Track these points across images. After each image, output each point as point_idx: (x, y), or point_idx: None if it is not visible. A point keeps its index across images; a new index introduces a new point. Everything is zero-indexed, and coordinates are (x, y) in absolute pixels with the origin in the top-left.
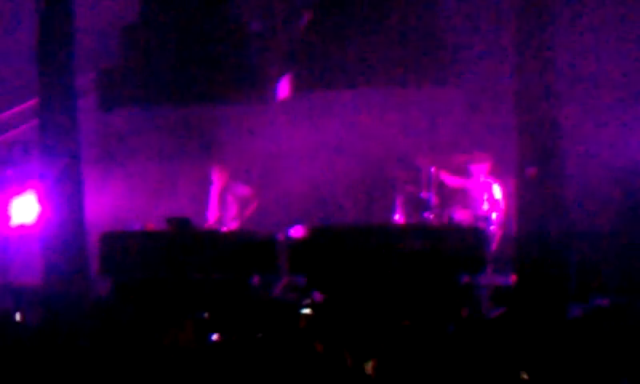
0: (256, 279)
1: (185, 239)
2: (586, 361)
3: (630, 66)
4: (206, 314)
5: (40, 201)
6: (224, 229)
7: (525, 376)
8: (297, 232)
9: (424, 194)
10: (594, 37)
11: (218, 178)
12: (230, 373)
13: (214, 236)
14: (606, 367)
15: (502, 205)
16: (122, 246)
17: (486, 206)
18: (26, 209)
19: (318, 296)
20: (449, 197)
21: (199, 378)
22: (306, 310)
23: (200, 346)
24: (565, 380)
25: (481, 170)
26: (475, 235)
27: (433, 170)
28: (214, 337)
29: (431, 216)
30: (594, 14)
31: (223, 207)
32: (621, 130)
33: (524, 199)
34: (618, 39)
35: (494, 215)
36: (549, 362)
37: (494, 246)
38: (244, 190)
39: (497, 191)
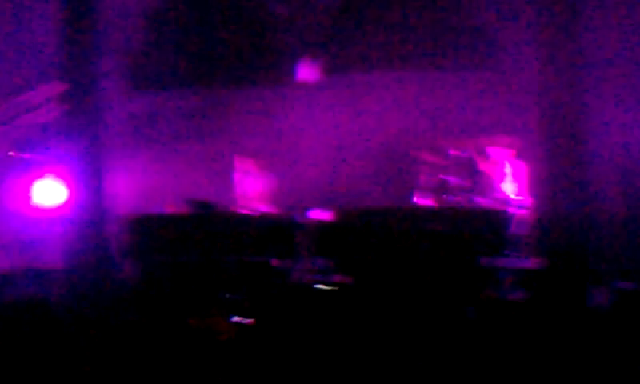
0: (278, 262)
1: (206, 221)
2: (609, 345)
3: None
4: (233, 296)
5: (63, 184)
6: (244, 210)
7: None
8: (319, 215)
9: (447, 177)
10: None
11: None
12: (255, 355)
13: (234, 218)
14: (629, 352)
15: (524, 187)
16: (147, 229)
17: (510, 189)
18: (46, 192)
19: (339, 278)
20: (471, 179)
21: (225, 360)
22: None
23: (227, 329)
24: (586, 364)
25: (506, 153)
26: (496, 218)
27: (455, 152)
28: (236, 319)
29: (454, 199)
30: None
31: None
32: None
33: (546, 181)
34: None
35: (520, 198)
36: (570, 346)
37: (515, 229)
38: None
39: (519, 173)
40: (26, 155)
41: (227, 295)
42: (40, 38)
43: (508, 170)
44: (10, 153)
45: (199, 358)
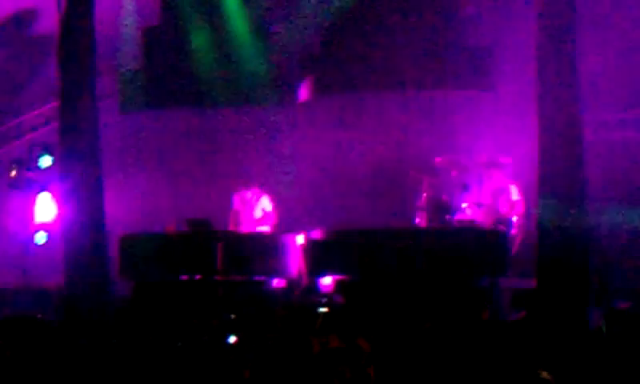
0: (275, 282)
1: (204, 241)
2: (607, 364)
3: None
4: (232, 316)
5: (60, 203)
6: (243, 230)
7: (545, 375)
8: (317, 234)
9: (445, 197)
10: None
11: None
12: (247, 374)
13: (232, 237)
14: (625, 371)
15: (522, 208)
16: (141, 248)
17: (506, 209)
18: (45, 210)
19: (338, 299)
20: (470, 199)
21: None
22: (324, 309)
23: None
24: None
25: (502, 172)
26: (496, 238)
27: (453, 172)
28: (232, 339)
29: (452, 218)
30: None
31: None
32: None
33: (544, 201)
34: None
35: (514, 218)
36: (569, 366)
37: (514, 249)
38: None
39: (515, 194)
40: (26, 174)
41: (229, 315)
42: (40, 59)
43: (504, 189)
44: (11, 172)
45: (187, 375)
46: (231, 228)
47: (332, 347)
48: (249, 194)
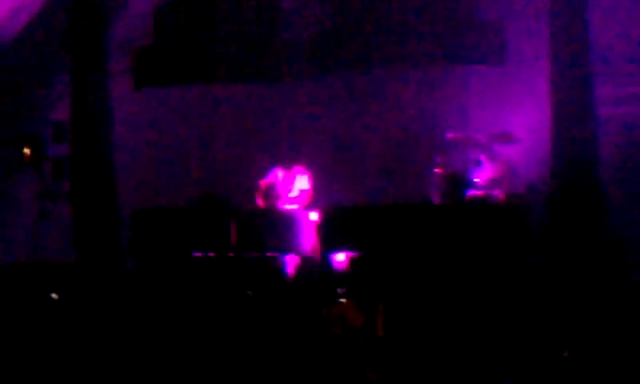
0: (289, 259)
1: (217, 217)
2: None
3: None
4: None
5: (73, 180)
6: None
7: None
8: (331, 211)
9: (462, 173)
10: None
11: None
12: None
13: (245, 214)
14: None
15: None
16: (154, 224)
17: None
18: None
19: (351, 276)
20: (487, 175)
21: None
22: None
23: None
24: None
25: (512, 148)
26: (515, 212)
27: (467, 148)
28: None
29: (469, 194)
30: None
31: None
32: None
33: (559, 176)
34: None
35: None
36: (589, 332)
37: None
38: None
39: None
40: (40, 151)
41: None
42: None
43: (511, 166)
44: (25, 148)
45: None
46: (260, 203)
47: (347, 321)
48: (289, 173)
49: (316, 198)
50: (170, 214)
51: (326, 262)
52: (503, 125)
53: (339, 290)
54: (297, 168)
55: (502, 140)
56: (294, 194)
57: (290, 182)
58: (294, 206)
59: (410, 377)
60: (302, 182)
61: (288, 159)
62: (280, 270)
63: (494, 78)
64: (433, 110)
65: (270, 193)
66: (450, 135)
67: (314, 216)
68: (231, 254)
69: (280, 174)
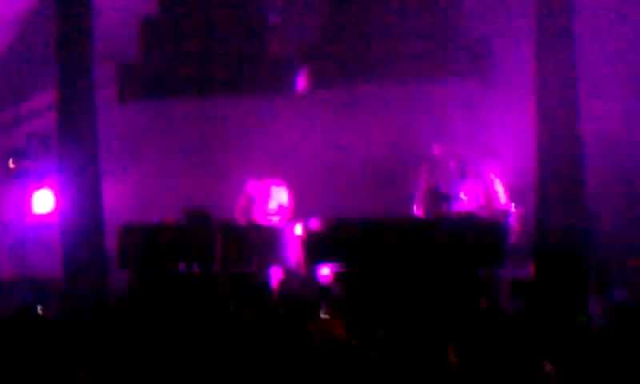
0: (274, 273)
1: (202, 231)
2: (607, 355)
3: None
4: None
5: (58, 194)
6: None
7: (548, 368)
8: (315, 225)
9: (443, 187)
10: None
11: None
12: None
13: (230, 228)
14: (625, 363)
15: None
16: (140, 238)
17: (504, 200)
18: (44, 202)
19: (335, 290)
20: (467, 190)
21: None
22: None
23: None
24: (585, 374)
25: (500, 162)
26: (495, 228)
27: (452, 163)
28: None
29: (450, 209)
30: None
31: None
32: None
33: (542, 192)
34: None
35: (512, 208)
36: (568, 356)
37: (512, 240)
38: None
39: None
40: (25, 164)
41: (230, 306)
42: (38, 48)
43: (500, 180)
44: (9, 162)
45: (187, 368)
46: (238, 218)
47: (333, 336)
48: (264, 185)
49: (300, 212)
50: (156, 228)
51: (310, 275)
52: (488, 139)
53: (324, 305)
54: (273, 181)
55: (486, 155)
56: (272, 207)
57: (267, 195)
58: (275, 219)
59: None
60: (281, 196)
61: (268, 172)
62: (265, 284)
63: (479, 93)
64: (417, 124)
65: (247, 207)
66: (435, 149)
67: (298, 230)
68: (216, 269)
69: (256, 187)
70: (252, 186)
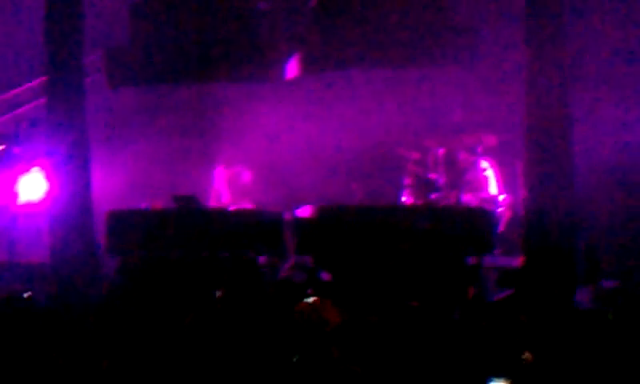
0: (263, 259)
1: (191, 217)
2: (594, 343)
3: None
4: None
5: (47, 179)
6: (232, 207)
7: (528, 356)
8: (304, 212)
9: (432, 175)
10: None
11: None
12: (237, 352)
13: (220, 214)
14: (612, 350)
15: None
16: (128, 224)
17: (493, 188)
18: (33, 186)
19: (325, 276)
20: (456, 178)
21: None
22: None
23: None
24: (570, 364)
25: (488, 151)
26: (482, 216)
27: (440, 151)
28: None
29: (439, 197)
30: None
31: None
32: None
33: (532, 181)
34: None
35: (501, 197)
36: (555, 345)
37: (501, 228)
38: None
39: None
40: (13, 149)
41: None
42: (27, 34)
43: (491, 168)
44: None
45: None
46: (212, 204)
47: (322, 317)
48: (229, 171)
49: (290, 199)
50: (145, 214)
51: (299, 260)
52: (477, 128)
53: (311, 288)
54: (239, 167)
55: (475, 144)
56: (239, 192)
57: (234, 180)
58: (246, 205)
59: (393, 368)
60: (245, 180)
61: (257, 159)
62: (254, 269)
63: (469, 81)
64: (407, 112)
65: (216, 193)
66: (424, 138)
67: (288, 216)
68: (205, 254)
69: (223, 172)
70: (218, 173)
